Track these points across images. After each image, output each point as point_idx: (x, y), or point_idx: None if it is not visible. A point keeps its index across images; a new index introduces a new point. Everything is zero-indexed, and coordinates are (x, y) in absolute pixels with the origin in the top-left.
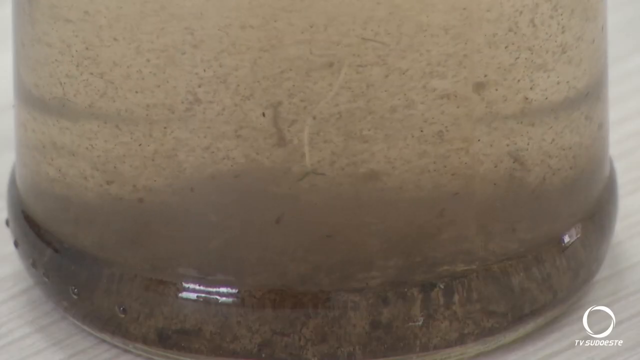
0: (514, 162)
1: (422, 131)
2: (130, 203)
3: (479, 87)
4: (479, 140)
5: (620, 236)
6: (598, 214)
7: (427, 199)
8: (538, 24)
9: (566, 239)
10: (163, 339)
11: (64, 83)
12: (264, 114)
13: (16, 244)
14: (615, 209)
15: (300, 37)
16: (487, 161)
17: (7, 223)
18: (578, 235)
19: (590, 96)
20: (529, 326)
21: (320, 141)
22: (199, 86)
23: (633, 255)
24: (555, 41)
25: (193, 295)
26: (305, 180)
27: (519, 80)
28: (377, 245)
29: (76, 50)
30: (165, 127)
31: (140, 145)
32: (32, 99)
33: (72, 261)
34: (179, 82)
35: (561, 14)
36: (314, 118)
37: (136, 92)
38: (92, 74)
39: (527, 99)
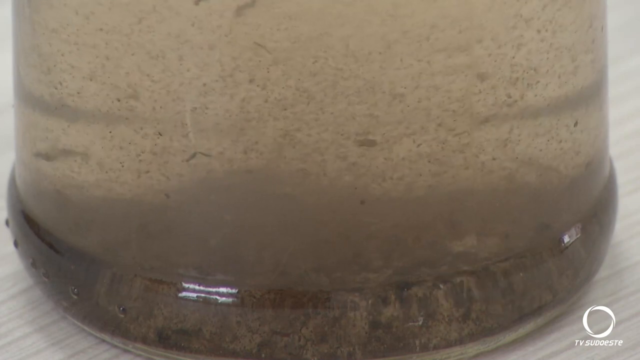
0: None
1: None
2: (130, 203)
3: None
4: (477, 140)
5: (620, 236)
6: (598, 214)
7: (427, 200)
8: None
9: (566, 239)
10: (163, 339)
11: (62, 83)
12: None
13: (16, 244)
14: (615, 208)
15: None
16: (487, 161)
17: (7, 223)
18: (578, 235)
19: (589, 96)
20: (529, 326)
21: (205, 123)
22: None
23: (633, 255)
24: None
25: (193, 295)
26: (193, 160)
27: (513, 81)
28: (377, 245)
29: (71, 51)
30: (158, 130)
31: (136, 146)
32: (31, 99)
33: (72, 261)
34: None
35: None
36: (195, 101)
37: (130, 91)
38: (88, 74)
39: (525, 98)
